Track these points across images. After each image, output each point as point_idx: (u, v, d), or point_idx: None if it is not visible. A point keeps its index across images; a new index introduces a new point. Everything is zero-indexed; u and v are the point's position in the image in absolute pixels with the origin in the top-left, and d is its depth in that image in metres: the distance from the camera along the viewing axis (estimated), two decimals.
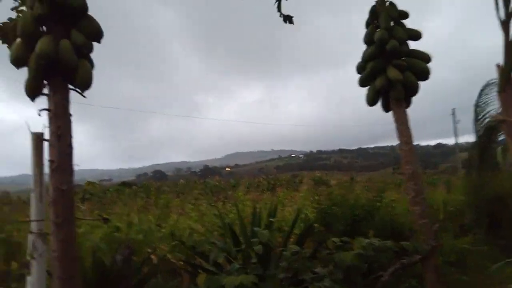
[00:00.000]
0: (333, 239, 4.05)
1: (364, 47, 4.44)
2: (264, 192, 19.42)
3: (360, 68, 4.29)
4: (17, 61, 1.89)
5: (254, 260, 2.85)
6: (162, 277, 5.67)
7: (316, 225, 5.88)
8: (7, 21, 2.03)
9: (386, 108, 4.33)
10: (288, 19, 3.86)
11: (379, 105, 4.46)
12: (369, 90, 4.22)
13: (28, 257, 2.50)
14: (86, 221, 4.92)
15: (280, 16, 3.86)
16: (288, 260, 3.76)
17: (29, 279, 2.48)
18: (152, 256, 5.46)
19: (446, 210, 7.59)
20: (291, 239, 5.09)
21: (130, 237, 6.03)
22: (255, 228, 3.14)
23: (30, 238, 2.50)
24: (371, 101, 4.25)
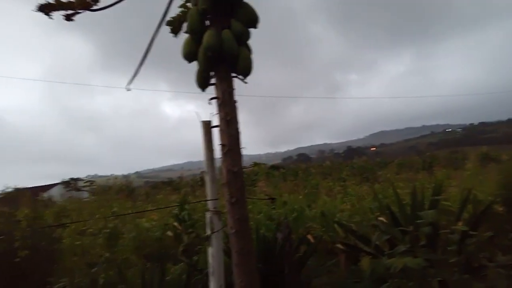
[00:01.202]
0: None
1: None
2: (419, 171, 17.83)
3: None
4: (188, 56, 2.11)
5: (422, 242, 2.60)
6: (319, 257, 5.77)
7: (494, 206, 5.06)
8: (175, 16, 2.28)
9: None
10: None
11: None
12: None
13: (207, 232, 2.81)
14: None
15: None
16: (458, 243, 3.33)
17: (209, 250, 2.81)
18: (309, 236, 5.59)
19: None
20: (460, 224, 4.52)
21: (284, 216, 6.33)
22: (426, 212, 2.83)
23: (208, 215, 2.81)
24: None
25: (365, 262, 2.50)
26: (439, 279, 2.78)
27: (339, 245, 5.59)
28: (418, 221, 2.90)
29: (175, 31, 2.18)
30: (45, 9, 1.83)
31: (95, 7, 1.91)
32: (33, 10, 1.83)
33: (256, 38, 2.13)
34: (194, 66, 2.18)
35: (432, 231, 2.94)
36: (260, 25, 2.10)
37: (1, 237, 3.99)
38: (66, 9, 1.87)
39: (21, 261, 3.92)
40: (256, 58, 2.15)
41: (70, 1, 1.87)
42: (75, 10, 1.88)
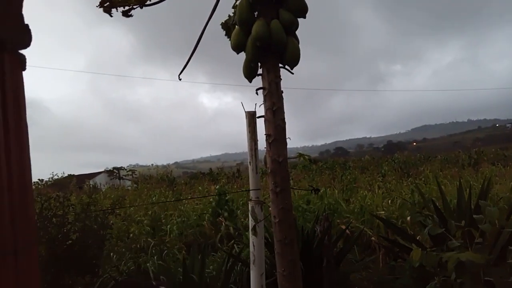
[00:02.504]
0: None
1: None
2: (464, 168, 17.02)
3: None
4: (237, 47, 2.14)
5: (478, 239, 2.49)
6: (358, 252, 5.70)
7: None
8: (228, 18, 2.32)
9: None
10: None
11: None
12: None
13: (249, 222, 2.86)
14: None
15: None
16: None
17: (251, 240, 2.86)
18: (347, 230, 5.54)
19: None
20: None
21: (324, 209, 6.30)
22: (481, 202, 2.71)
23: (250, 205, 2.85)
24: None
25: (416, 253, 2.42)
26: (487, 279, 2.67)
27: (379, 241, 5.49)
28: (475, 216, 2.78)
29: (230, 33, 2.22)
30: (105, 6, 1.91)
31: (149, 2, 1.97)
32: (97, 6, 1.91)
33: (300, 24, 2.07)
34: (233, 58, 2.20)
35: (490, 229, 2.80)
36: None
37: (55, 220, 4.22)
38: (124, 6, 1.93)
39: (72, 244, 4.15)
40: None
41: None
42: (131, 5, 1.94)
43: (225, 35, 2.25)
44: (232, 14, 2.20)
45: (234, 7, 2.17)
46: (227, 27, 2.23)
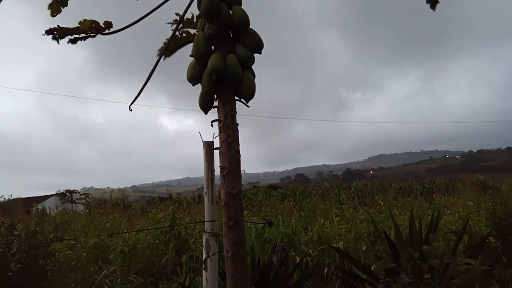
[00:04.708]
0: None
1: None
2: (417, 197, 17.79)
3: None
4: (193, 79, 2.14)
5: (427, 275, 2.56)
6: (314, 282, 5.70)
7: (490, 238, 5.04)
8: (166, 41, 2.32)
9: None
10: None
11: None
12: None
13: (203, 255, 2.78)
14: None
15: None
16: (461, 275, 3.28)
17: (204, 273, 2.76)
18: (300, 259, 5.53)
19: None
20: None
21: (281, 239, 6.28)
22: (430, 235, 2.81)
23: (204, 237, 2.78)
24: None
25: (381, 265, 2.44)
26: None
27: (335, 271, 5.52)
28: (424, 247, 2.86)
29: (166, 54, 2.26)
30: (55, 34, 1.84)
31: (106, 31, 1.93)
32: (42, 34, 1.84)
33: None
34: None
35: (438, 264, 2.89)
36: (265, 33, 2.11)
37: None
38: (78, 34, 1.88)
39: (13, 275, 3.84)
40: (257, 69, 2.17)
41: (78, 26, 1.88)
42: (87, 34, 1.89)
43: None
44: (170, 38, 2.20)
45: (175, 30, 2.18)
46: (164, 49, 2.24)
